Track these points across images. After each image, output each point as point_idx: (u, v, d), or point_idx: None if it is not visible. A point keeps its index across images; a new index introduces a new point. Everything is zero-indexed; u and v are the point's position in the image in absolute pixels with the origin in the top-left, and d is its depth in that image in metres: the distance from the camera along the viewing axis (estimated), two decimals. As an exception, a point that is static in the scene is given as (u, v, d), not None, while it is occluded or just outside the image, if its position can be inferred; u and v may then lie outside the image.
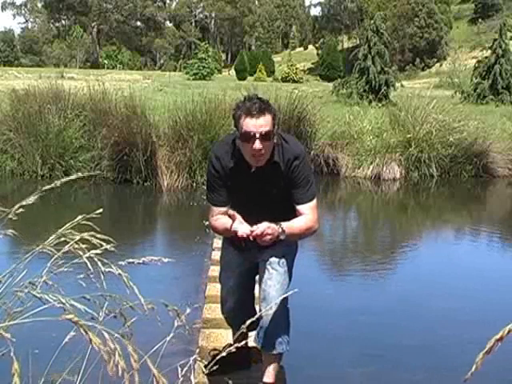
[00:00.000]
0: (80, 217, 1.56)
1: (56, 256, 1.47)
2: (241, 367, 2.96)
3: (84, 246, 1.47)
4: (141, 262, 1.51)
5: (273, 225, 2.47)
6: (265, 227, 2.42)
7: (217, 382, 2.83)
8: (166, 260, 1.55)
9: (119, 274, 1.39)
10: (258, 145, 2.44)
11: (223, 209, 2.62)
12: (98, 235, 1.48)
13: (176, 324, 1.41)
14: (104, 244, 1.48)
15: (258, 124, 2.44)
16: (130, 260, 1.49)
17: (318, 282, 4.97)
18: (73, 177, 1.71)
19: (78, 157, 9.11)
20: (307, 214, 2.60)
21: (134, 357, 1.20)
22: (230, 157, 2.59)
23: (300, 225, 2.58)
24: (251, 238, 2.42)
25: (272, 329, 2.61)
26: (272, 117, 2.49)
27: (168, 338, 1.41)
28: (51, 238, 1.49)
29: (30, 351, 1.90)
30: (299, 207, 2.60)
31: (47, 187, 1.69)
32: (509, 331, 1.07)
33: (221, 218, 2.60)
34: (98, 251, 1.43)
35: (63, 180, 1.69)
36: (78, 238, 1.47)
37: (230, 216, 2.52)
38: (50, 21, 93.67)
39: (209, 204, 2.71)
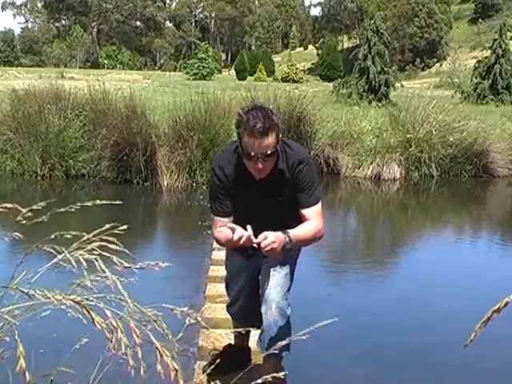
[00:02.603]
0: (108, 226, 1.55)
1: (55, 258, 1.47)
2: (241, 367, 2.96)
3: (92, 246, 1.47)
4: (138, 267, 1.50)
5: (280, 235, 2.43)
6: (271, 240, 2.38)
7: (217, 382, 2.83)
8: (163, 265, 1.54)
9: (121, 282, 1.39)
10: (260, 165, 2.42)
11: (227, 219, 2.57)
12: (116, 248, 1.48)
13: (187, 323, 1.42)
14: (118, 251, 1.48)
15: (261, 146, 2.40)
16: (126, 265, 1.49)
17: (317, 282, 4.97)
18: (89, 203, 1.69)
19: (78, 157, 9.11)
20: (313, 220, 2.57)
21: (137, 332, 1.21)
22: (233, 166, 2.56)
23: (306, 232, 2.54)
24: (255, 245, 2.40)
25: (273, 332, 2.61)
26: (276, 132, 2.45)
27: (175, 339, 1.41)
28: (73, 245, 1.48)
29: (31, 351, 1.90)
30: (304, 211, 2.57)
31: (61, 210, 1.67)
32: (506, 303, 1.08)
33: (224, 229, 2.53)
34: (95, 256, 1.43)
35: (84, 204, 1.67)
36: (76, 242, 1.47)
37: (230, 229, 2.45)
38: (50, 21, 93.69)
39: (212, 215, 2.66)
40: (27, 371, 1.11)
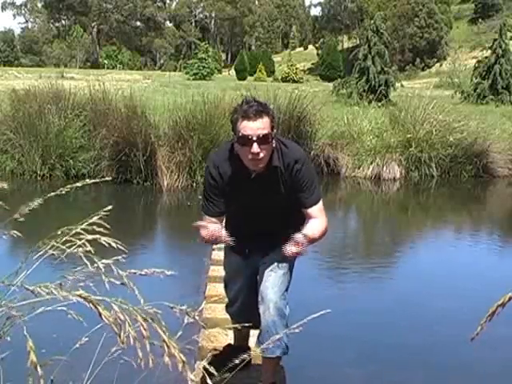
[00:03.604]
0: (96, 217, 1.56)
1: (43, 250, 1.47)
2: (241, 367, 2.95)
3: (89, 244, 1.48)
4: (143, 273, 1.51)
5: (301, 238, 2.44)
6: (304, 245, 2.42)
7: (217, 382, 2.83)
8: (169, 273, 1.55)
9: (126, 284, 1.40)
10: (255, 148, 2.41)
11: (215, 219, 2.59)
12: (108, 239, 1.49)
13: (186, 321, 1.42)
14: (112, 244, 1.48)
15: (255, 127, 2.41)
16: (133, 271, 1.50)
17: (317, 282, 4.97)
18: (79, 184, 1.72)
19: (78, 157, 9.11)
20: (318, 218, 2.59)
21: (144, 326, 1.23)
22: (229, 164, 2.56)
23: (318, 229, 2.56)
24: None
25: (271, 333, 2.60)
26: (270, 119, 2.47)
27: (176, 337, 1.42)
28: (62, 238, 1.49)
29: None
30: (309, 211, 2.59)
31: (53, 194, 1.70)
32: (509, 298, 1.08)
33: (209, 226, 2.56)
34: (110, 261, 1.44)
35: (75, 185, 1.69)
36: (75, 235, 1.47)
37: (202, 226, 2.49)
38: (50, 21, 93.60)
39: (201, 213, 2.68)
40: (39, 365, 1.12)
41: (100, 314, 1.19)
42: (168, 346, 1.20)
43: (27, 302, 1.35)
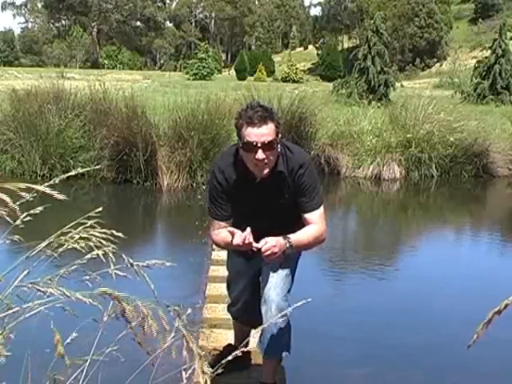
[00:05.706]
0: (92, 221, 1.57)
1: (43, 248, 1.47)
2: (241, 367, 2.96)
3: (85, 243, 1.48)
4: (145, 265, 1.51)
5: (280, 239, 2.42)
6: (272, 244, 2.38)
7: (217, 382, 2.83)
8: (168, 264, 1.56)
9: (139, 273, 1.42)
10: (260, 155, 2.40)
11: (224, 223, 2.58)
12: (108, 232, 1.50)
13: (176, 324, 1.42)
14: (110, 241, 1.49)
15: (260, 133, 2.39)
16: (135, 263, 1.49)
17: (317, 282, 4.97)
18: (72, 172, 1.71)
19: (78, 157, 9.11)
20: (314, 224, 2.56)
21: (165, 319, 1.36)
22: (234, 168, 2.55)
23: (308, 236, 2.54)
24: (254, 249, 2.40)
25: (273, 333, 2.60)
26: (275, 125, 2.45)
27: (170, 337, 1.42)
28: (55, 236, 1.49)
29: (28, 352, 1.90)
30: (306, 216, 2.57)
31: (47, 184, 1.70)
32: (506, 305, 1.09)
33: (222, 232, 2.54)
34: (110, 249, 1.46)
35: (62, 176, 1.68)
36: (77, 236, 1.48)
37: (229, 233, 2.44)
38: (50, 21, 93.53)
39: (210, 218, 2.66)
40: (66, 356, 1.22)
41: (124, 310, 1.29)
42: (187, 341, 1.33)
43: (27, 301, 1.35)
